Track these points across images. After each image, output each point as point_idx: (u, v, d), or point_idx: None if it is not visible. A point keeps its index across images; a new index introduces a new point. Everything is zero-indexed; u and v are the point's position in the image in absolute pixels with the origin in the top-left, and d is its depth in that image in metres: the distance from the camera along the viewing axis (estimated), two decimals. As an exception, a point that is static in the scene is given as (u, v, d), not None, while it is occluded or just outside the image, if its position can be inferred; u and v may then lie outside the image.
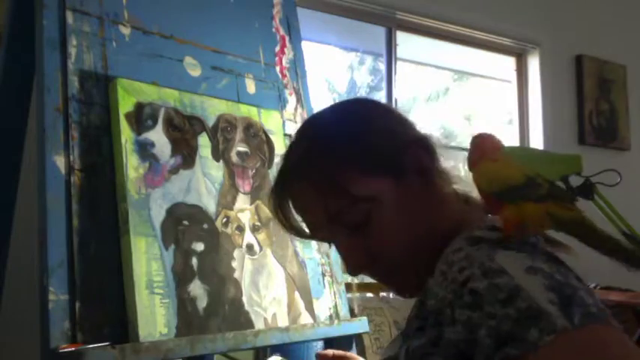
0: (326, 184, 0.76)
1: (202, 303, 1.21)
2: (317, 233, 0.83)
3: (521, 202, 0.74)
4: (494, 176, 0.77)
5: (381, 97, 3.14)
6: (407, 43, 2.98)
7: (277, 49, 1.61)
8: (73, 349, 1.04)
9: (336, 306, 1.49)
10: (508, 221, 0.75)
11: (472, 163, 0.79)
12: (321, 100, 3.13)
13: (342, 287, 1.53)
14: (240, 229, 1.33)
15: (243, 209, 1.36)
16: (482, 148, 0.79)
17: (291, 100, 1.60)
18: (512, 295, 0.62)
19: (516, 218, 0.74)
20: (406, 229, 0.79)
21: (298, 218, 0.84)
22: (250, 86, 1.51)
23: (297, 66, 1.64)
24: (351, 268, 0.82)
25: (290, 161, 0.81)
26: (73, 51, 1.23)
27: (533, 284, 0.63)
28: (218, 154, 1.36)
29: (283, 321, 1.32)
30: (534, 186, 0.74)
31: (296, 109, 1.60)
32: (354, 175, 0.77)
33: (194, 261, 1.23)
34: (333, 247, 0.85)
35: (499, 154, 0.79)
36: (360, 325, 1.47)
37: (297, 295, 1.37)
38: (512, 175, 0.76)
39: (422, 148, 0.82)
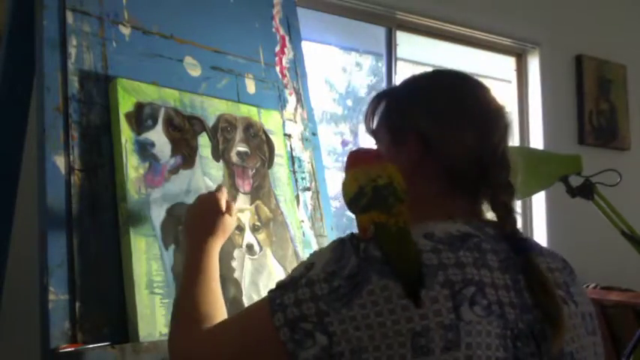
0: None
1: (202, 303, 1.21)
2: None
3: (359, 213, 0.82)
4: (343, 192, 0.86)
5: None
6: (407, 43, 2.98)
7: (277, 49, 1.61)
8: (73, 349, 1.04)
9: (336, 306, 1.49)
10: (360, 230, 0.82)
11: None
12: (321, 100, 3.14)
13: (342, 287, 1.53)
14: (240, 229, 1.33)
15: (243, 209, 1.36)
16: (346, 166, 0.88)
17: (291, 100, 1.60)
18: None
19: (360, 229, 0.81)
20: None
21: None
22: (250, 86, 1.51)
23: (297, 66, 1.65)
24: None
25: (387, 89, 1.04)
26: (73, 51, 1.23)
27: (297, 269, 0.82)
28: (218, 154, 1.36)
29: (283, 321, 1.31)
30: (361, 196, 0.82)
31: (296, 109, 1.60)
32: (383, 125, 0.96)
33: (194, 261, 1.23)
34: None
35: (352, 167, 0.87)
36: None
37: (297, 295, 1.37)
38: (349, 187, 0.84)
39: (419, 139, 0.89)
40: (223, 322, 0.93)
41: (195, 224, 1.11)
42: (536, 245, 0.90)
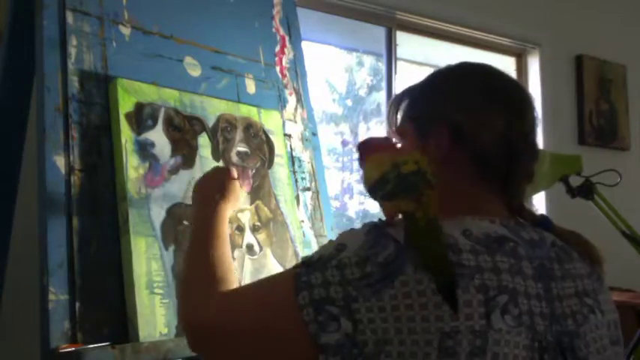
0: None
1: (202, 303, 1.21)
2: None
3: (383, 200, 0.80)
4: (364, 178, 0.83)
5: (381, 97, 3.14)
6: (407, 43, 2.98)
7: (277, 49, 1.61)
8: (73, 349, 1.04)
9: (336, 306, 1.49)
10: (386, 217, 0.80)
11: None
12: (321, 100, 3.14)
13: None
14: (240, 229, 1.33)
15: (243, 209, 1.36)
16: (363, 154, 0.84)
17: (291, 100, 1.60)
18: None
19: (386, 215, 0.79)
20: None
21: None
22: (250, 86, 1.51)
23: (297, 66, 1.65)
24: None
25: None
26: (73, 51, 1.23)
27: (326, 248, 0.80)
28: (218, 154, 1.36)
29: (283, 321, 1.32)
30: (384, 183, 0.78)
31: (296, 109, 1.60)
32: (408, 118, 0.93)
33: (194, 261, 1.23)
34: None
35: (373, 152, 0.83)
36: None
37: (297, 295, 1.37)
38: (370, 173, 0.81)
39: (448, 127, 0.86)
40: (242, 288, 0.90)
41: (211, 189, 1.12)
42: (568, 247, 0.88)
